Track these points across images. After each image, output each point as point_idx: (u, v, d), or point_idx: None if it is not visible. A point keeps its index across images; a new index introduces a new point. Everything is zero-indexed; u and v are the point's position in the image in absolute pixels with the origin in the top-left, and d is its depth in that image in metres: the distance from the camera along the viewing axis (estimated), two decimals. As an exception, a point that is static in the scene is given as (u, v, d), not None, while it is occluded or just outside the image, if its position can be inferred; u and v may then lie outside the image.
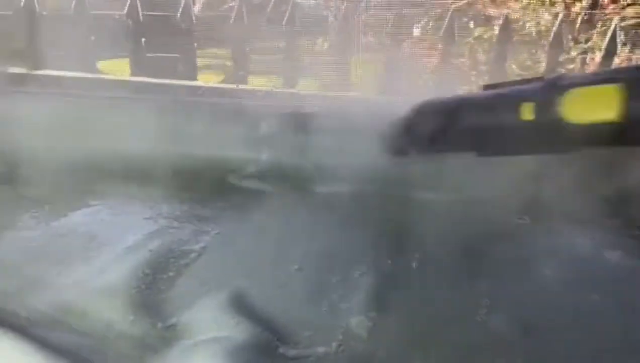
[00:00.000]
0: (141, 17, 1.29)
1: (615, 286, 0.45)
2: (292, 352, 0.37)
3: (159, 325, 0.39)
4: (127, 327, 0.38)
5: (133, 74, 1.34)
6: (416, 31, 1.62)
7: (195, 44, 1.33)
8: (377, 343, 0.38)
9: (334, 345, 0.38)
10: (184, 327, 0.39)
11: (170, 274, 0.45)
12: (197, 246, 0.49)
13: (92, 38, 1.32)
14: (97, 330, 0.38)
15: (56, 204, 0.55)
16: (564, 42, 1.44)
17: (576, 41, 1.48)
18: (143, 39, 1.33)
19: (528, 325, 0.40)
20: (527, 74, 1.47)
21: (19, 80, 1.00)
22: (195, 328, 0.39)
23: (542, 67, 1.49)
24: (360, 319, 0.41)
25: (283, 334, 0.39)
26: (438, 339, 0.39)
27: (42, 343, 0.33)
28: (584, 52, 1.44)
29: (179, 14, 1.33)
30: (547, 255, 0.49)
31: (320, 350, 0.37)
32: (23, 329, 0.35)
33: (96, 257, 0.47)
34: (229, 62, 1.52)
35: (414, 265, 0.47)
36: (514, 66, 1.57)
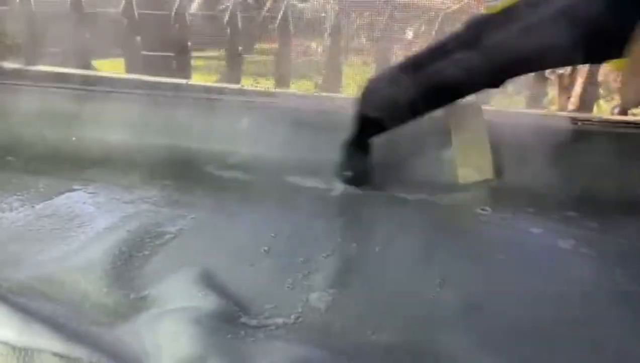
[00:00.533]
0: (136, 16, 1.34)
1: (565, 271, 0.48)
2: (253, 321, 0.41)
3: (132, 296, 0.43)
4: (101, 297, 0.42)
5: (128, 71, 1.38)
6: (409, 34, 1.66)
7: (189, 43, 1.37)
8: (334, 316, 0.42)
9: (293, 316, 0.41)
10: (154, 299, 0.43)
11: (146, 252, 0.48)
12: (173, 229, 0.52)
13: (88, 35, 1.36)
14: (73, 300, 0.41)
15: (40, 188, 0.59)
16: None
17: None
18: (138, 37, 1.37)
19: (476, 304, 0.43)
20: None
21: (13, 75, 1.04)
22: (165, 299, 0.42)
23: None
24: (320, 295, 0.44)
25: (246, 306, 0.42)
26: (391, 313, 0.42)
27: (21, 310, 0.37)
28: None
29: (173, 13, 1.37)
30: (502, 243, 0.52)
31: (280, 320, 0.41)
32: (4, 298, 0.38)
33: (76, 236, 0.50)
34: (222, 62, 1.56)
35: (375, 249, 0.50)
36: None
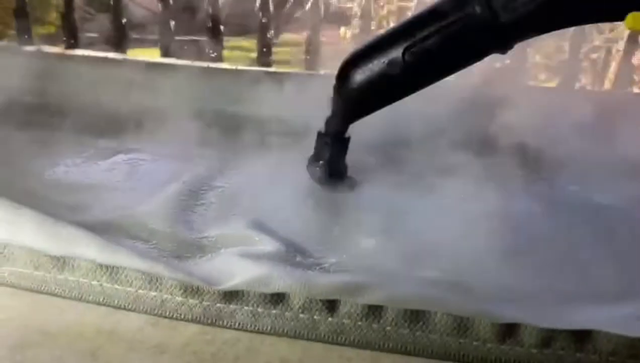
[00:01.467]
0: (171, 0, 1.39)
1: (600, 221, 0.51)
2: (307, 261, 0.44)
3: (193, 236, 0.47)
4: (166, 235, 0.46)
5: (162, 55, 1.43)
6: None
7: (222, 27, 1.41)
8: (383, 256, 0.45)
9: (343, 256, 0.45)
10: (214, 239, 0.47)
11: (202, 201, 0.53)
12: (226, 183, 0.57)
13: (124, 20, 1.42)
14: (141, 236, 0.46)
15: (100, 148, 0.64)
16: (587, 31, 1.48)
17: (600, 31, 1.52)
18: (172, 22, 1.42)
19: (516, 249, 0.46)
20: (550, 63, 1.51)
21: (56, 58, 1.09)
22: (224, 240, 0.46)
23: (566, 56, 1.53)
24: (369, 240, 0.48)
25: (300, 248, 0.46)
26: (437, 256, 0.45)
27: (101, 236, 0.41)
28: (608, 41, 1.48)
29: (206, -1, 1.41)
30: (543, 198, 0.55)
31: (332, 259, 0.45)
32: (84, 226, 0.41)
33: (137, 188, 0.55)
34: (253, 48, 1.60)
35: (421, 200, 0.53)
36: (537, 57, 1.61)
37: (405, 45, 0.47)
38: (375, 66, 0.49)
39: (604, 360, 0.33)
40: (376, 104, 0.52)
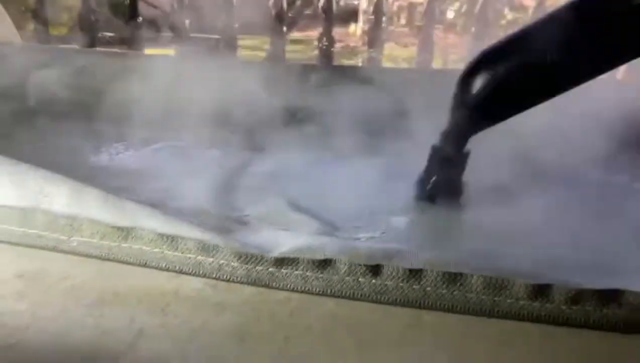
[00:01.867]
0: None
1: (615, 200, 0.55)
2: (344, 235, 0.49)
3: (235, 214, 0.51)
4: (210, 214, 0.50)
5: (178, 53, 1.48)
6: (450, 15, 1.72)
7: (236, 25, 1.46)
8: (414, 232, 0.49)
9: (377, 232, 0.49)
10: (255, 217, 0.51)
11: (239, 184, 0.57)
12: (260, 168, 0.61)
13: (140, 19, 1.47)
14: (188, 213, 0.50)
15: (137, 140, 0.69)
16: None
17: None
18: (187, 20, 1.47)
19: (541, 225, 0.50)
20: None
21: (80, 54, 1.13)
22: (265, 217, 0.51)
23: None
24: (401, 218, 0.52)
25: (336, 225, 0.50)
26: (469, 231, 0.49)
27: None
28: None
29: (221, -3, 1.46)
30: (563, 179, 0.59)
31: (367, 235, 0.49)
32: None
33: (176, 173, 0.60)
34: (265, 45, 1.64)
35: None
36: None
37: (553, 38, 0.41)
38: (514, 64, 0.42)
39: (629, 313, 0.37)
40: (508, 112, 0.45)
